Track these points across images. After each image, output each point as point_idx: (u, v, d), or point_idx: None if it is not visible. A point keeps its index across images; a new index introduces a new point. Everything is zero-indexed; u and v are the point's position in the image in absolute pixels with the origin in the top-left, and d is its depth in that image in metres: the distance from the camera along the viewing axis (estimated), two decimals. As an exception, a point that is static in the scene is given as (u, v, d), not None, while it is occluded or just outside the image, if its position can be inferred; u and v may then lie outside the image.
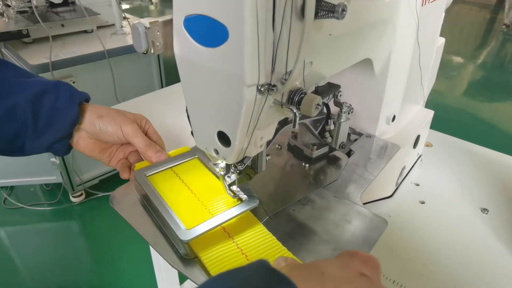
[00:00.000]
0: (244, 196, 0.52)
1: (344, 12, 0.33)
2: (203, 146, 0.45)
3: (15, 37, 1.52)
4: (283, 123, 0.54)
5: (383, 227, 0.51)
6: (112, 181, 1.86)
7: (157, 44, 0.38)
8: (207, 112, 0.41)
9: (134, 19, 1.88)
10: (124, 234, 1.65)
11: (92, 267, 1.56)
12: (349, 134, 0.69)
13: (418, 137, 0.74)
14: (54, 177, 1.74)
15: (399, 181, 0.72)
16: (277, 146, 0.70)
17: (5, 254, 1.60)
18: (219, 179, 0.55)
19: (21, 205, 1.82)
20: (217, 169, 0.51)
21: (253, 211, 0.51)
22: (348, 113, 0.63)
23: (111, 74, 1.65)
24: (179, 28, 0.36)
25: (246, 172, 0.50)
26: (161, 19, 0.37)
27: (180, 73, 0.40)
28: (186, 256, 0.46)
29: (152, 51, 0.38)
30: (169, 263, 0.45)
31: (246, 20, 0.31)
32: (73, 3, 1.85)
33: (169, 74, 1.94)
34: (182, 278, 1.11)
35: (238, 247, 0.47)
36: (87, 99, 0.56)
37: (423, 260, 0.58)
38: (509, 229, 0.63)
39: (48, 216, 1.80)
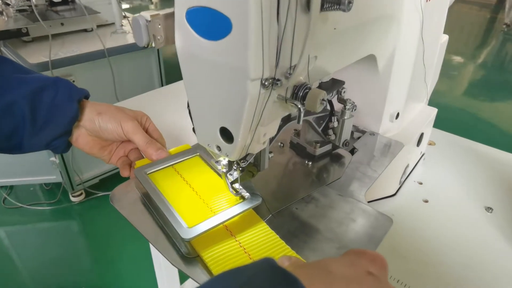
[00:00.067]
0: (246, 194, 0.51)
1: (351, 4, 0.32)
2: (205, 142, 0.44)
3: (14, 36, 1.51)
4: (286, 120, 0.53)
5: (388, 225, 0.50)
6: (112, 180, 1.86)
7: (158, 37, 0.37)
8: (210, 107, 0.40)
9: (134, 18, 1.87)
10: (124, 233, 1.65)
11: (92, 266, 1.55)
12: (352, 132, 0.69)
13: (421, 135, 0.74)
14: (54, 177, 1.74)
15: (403, 179, 0.72)
16: (279, 144, 0.69)
17: (4, 254, 1.59)
18: (221, 177, 0.54)
19: (20, 205, 1.81)
20: (219, 167, 0.50)
21: (256, 209, 0.51)
22: (352, 110, 0.62)
23: (111, 73, 1.64)
24: (180, 21, 0.35)
25: (248, 169, 0.49)
26: (162, 12, 0.37)
27: (182, 67, 0.39)
28: (188, 255, 0.45)
29: (153, 45, 0.37)
30: (170, 262, 0.44)
31: (251, 12, 0.30)
32: (73, 1, 1.84)
33: (169, 73, 1.93)
34: (183, 278, 1.10)
35: (241, 246, 0.46)
36: (87, 96, 0.55)
37: (426, 259, 0.57)
38: (514, 228, 0.63)
39: (47, 216, 1.79)
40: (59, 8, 1.80)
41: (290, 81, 0.36)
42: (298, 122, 0.38)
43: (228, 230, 0.48)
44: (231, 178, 0.50)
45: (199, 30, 0.34)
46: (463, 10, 5.97)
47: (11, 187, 1.91)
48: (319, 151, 0.65)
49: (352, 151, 0.66)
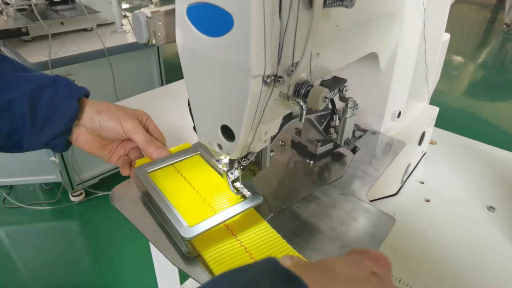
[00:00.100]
0: (247, 193, 0.51)
1: (354, 0, 0.32)
2: (206, 141, 0.44)
3: (14, 35, 1.51)
4: (287, 118, 0.52)
5: (390, 224, 0.49)
6: (112, 180, 1.85)
7: (159, 34, 0.37)
8: (211, 105, 0.39)
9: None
10: (124, 233, 1.64)
11: (92, 266, 1.55)
12: (354, 131, 0.68)
13: (423, 134, 0.73)
14: (54, 176, 1.73)
15: (404, 178, 0.71)
16: (280, 142, 0.68)
17: (4, 253, 1.58)
18: (222, 176, 0.54)
19: (20, 205, 1.81)
20: (220, 166, 0.49)
21: (257, 208, 0.50)
22: (354, 109, 0.61)
23: (111, 72, 1.64)
24: (181, 18, 0.35)
25: (250, 168, 0.49)
26: (163, 8, 0.36)
27: (183, 64, 0.38)
28: (188, 254, 0.45)
29: (153, 42, 0.37)
30: (170, 261, 0.44)
31: (253, 8, 0.29)
32: (73, 1, 1.84)
33: (169, 73, 1.93)
34: (183, 278, 1.10)
35: (242, 245, 0.45)
36: (87, 94, 0.54)
37: (428, 259, 0.56)
38: (517, 227, 0.62)
39: (47, 216, 1.78)
40: (59, 7, 1.80)
41: (292, 79, 0.36)
42: (300, 120, 0.37)
43: (229, 229, 0.48)
44: (232, 177, 0.50)
45: (200, 26, 0.34)
46: (463, 10, 5.97)
47: (11, 187, 1.90)
48: (321, 150, 0.64)
49: (354, 150, 0.66)
